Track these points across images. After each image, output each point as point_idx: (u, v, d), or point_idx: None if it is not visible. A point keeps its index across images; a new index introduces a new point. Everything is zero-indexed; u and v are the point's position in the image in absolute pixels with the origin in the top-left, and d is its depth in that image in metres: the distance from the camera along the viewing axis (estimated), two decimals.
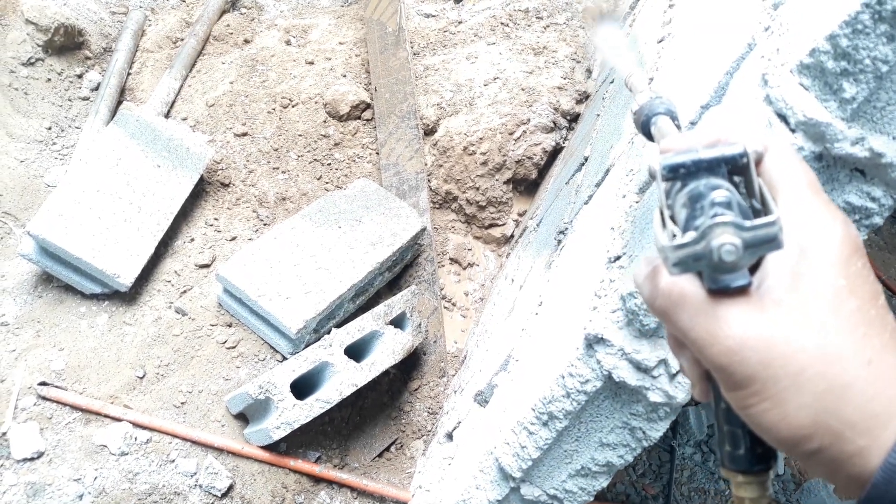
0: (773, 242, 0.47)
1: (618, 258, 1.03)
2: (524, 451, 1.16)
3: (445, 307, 2.52)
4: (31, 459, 1.81)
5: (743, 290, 0.49)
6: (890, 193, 0.75)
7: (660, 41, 1.60)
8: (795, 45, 0.75)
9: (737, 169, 0.54)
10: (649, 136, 0.75)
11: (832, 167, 0.75)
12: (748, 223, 0.47)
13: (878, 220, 0.77)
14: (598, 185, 1.47)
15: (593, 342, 0.98)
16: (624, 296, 0.93)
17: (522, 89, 2.70)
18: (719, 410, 0.56)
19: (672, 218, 0.54)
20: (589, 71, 2.88)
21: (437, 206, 2.71)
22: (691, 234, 0.48)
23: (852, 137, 0.70)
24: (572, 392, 1.03)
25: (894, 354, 0.47)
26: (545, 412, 1.09)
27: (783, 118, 0.75)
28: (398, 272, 2.43)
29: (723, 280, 0.49)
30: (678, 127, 0.73)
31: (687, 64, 1.21)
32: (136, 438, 1.89)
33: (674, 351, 0.59)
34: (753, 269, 0.51)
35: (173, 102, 2.73)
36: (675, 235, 0.51)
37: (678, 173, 0.54)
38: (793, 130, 0.75)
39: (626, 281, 0.95)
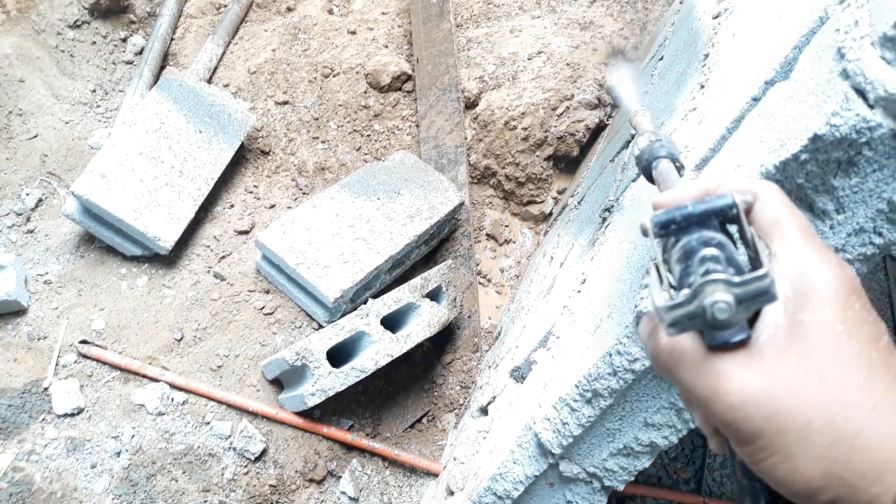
0: (766, 296, 0.47)
1: None
2: (565, 427, 1.14)
3: (480, 283, 2.51)
4: (72, 415, 1.84)
5: (742, 344, 0.49)
6: None
7: (715, 17, 1.56)
8: (877, 16, 0.71)
9: (728, 219, 0.55)
10: (651, 180, 0.77)
11: None
12: (738, 279, 0.47)
13: None
14: None
15: None
16: None
17: (567, 64, 2.66)
18: (736, 464, 0.55)
19: (670, 272, 0.55)
20: (636, 47, 2.82)
21: (476, 180, 2.69)
22: (684, 294, 0.48)
23: None
24: (619, 370, 1.01)
25: None
26: (589, 389, 1.07)
27: (861, 93, 0.72)
28: (434, 246, 2.42)
29: (721, 336, 0.49)
30: (680, 167, 0.74)
31: (748, 40, 1.17)
32: (172, 399, 1.91)
33: (686, 405, 0.59)
34: (753, 321, 0.51)
35: (215, 68, 2.73)
36: (672, 292, 0.52)
37: (669, 229, 0.55)
38: (871, 106, 0.71)
39: None
